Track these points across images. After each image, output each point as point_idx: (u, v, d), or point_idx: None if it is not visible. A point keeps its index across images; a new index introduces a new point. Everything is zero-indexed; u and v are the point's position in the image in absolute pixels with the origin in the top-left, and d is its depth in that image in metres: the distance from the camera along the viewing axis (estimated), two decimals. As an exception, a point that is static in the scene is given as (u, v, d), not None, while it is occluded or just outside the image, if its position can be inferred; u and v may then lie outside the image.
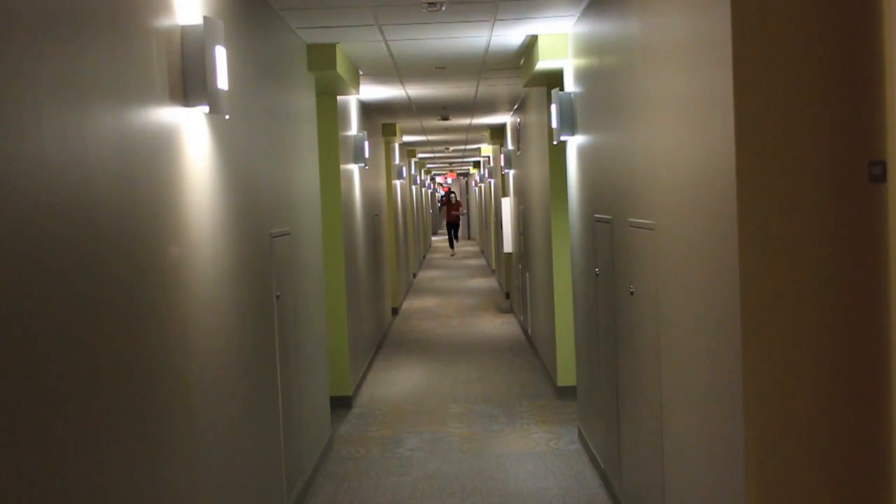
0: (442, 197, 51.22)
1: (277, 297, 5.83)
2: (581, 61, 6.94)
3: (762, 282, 3.29)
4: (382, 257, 14.17)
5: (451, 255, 32.28)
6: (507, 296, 17.65)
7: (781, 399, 3.29)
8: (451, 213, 33.35)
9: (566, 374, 9.29)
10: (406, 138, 18.73)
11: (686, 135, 4.00)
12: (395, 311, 16.57)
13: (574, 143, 7.44)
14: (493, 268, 23.18)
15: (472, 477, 6.96)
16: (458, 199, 38.15)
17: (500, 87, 11.17)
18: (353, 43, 7.78)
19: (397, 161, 17.87)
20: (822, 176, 3.26)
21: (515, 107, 13.64)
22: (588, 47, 6.60)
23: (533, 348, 12.22)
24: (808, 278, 3.27)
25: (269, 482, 5.48)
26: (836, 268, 3.26)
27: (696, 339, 3.95)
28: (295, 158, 6.81)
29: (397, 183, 17.91)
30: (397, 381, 10.75)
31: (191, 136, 4.13)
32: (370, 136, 12.01)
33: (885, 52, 3.06)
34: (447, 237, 34.43)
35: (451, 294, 19.85)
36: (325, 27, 7.03)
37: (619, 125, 5.56)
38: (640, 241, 5.00)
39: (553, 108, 7.45)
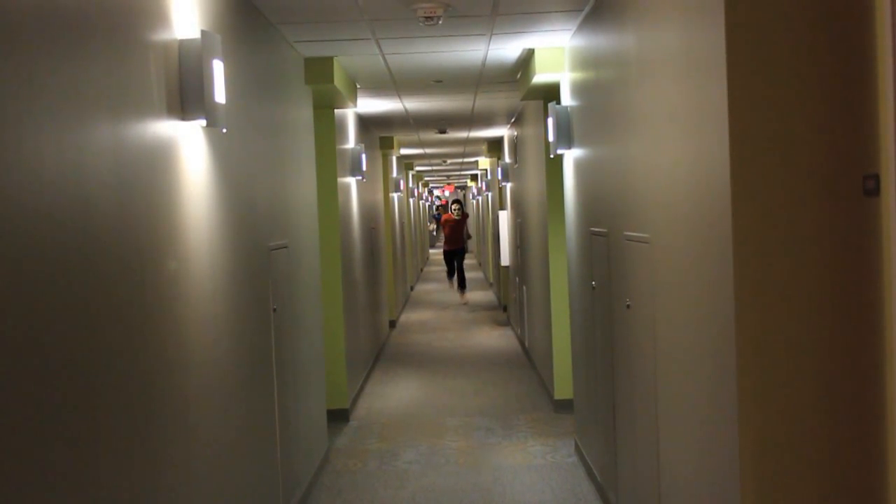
0: (438, 209, 38.19)
1: (275, 310, 5.83)
2: (577, 75, 6.96)
3: (757, 295, 3.30)
4: (380, 270, 14.17)
5: (463, 303, 20.05)
6: (505, 309, 17.64)
7: (777, 412, 3.30)
8: (450, 233, 19.99)
9: (563, 387, 9.29)
10: (403, 151, 18.75)
11: (681, 148, 4.02)
12: (392, 324, 16.56)
13: (570, 157, 7.46)
14: (491, 281, 23.16)
15: (469, 490, 6.95)
16: (466, 210, 23.77)
17: (498, 100, 11.20)
18: (350, 56, 7.80)
19: (395, 174, 17.89)
20: (816, 189, 3.27)
21: (512, 120, 13.67)
22: (584, 61, 6.63)
23: (530, 361, 12.21)
24: (803, 291, 3.28)
25: (265, 495, 5.48)
26: (831, 281, 3.27)
27: (692, 352, 3.96)
28: (292, 171, 6.82)
29: (395, 196, 17.93)
30: (394, 394, 10.74)
31: (188, 149, 4.15)
32: (367, 149, 12.03)
33: (878, 65, 3.08)
34: (447, 274, 20.98)
35: (448, 307, 19.83)
36: (322, 41, 7.05)
37: (614, 138, 5.58)
38: (636, 254, 5.01)
39: (550, 121, 7.46)
